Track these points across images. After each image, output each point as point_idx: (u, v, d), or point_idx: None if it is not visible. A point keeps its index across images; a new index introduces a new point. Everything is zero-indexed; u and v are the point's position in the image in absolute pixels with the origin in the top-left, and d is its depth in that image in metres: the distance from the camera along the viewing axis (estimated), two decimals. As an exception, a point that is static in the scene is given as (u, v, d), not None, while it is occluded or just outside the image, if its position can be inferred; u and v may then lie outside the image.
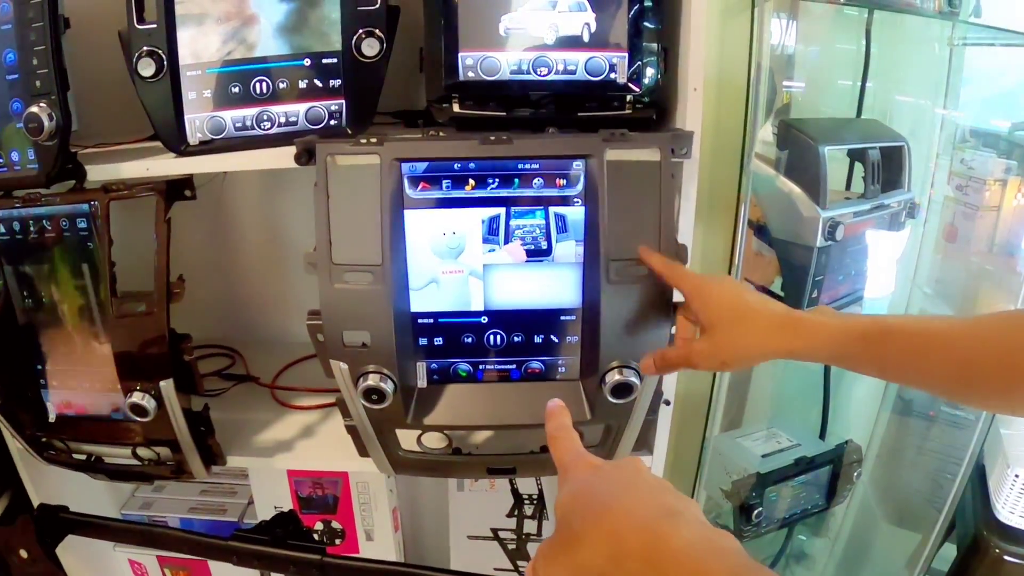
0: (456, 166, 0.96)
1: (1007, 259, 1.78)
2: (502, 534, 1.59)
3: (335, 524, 1.52)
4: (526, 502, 1.57)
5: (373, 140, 0.96)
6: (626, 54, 1.02)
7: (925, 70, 1.36)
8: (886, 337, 0.73)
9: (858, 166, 1.24)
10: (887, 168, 1.19)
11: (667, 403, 1.12)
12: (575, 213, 0.98)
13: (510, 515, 1.57)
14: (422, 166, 0.96)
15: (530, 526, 1.59)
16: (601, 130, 0.96)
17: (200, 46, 1.04)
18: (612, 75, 1.03)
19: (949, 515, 1.39)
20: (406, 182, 0.97)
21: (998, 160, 1.66)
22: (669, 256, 0.97)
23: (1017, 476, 1.27)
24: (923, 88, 1.37)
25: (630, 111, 1.03)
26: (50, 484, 1.30)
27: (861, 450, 1.48)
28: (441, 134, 0.99)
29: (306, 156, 0.99)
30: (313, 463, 1.18)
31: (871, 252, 1.24)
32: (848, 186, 1.28)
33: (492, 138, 0.95)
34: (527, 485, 1.56)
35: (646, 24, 1.02)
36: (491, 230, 0.99)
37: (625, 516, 0.47)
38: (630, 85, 1.03)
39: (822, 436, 1.52)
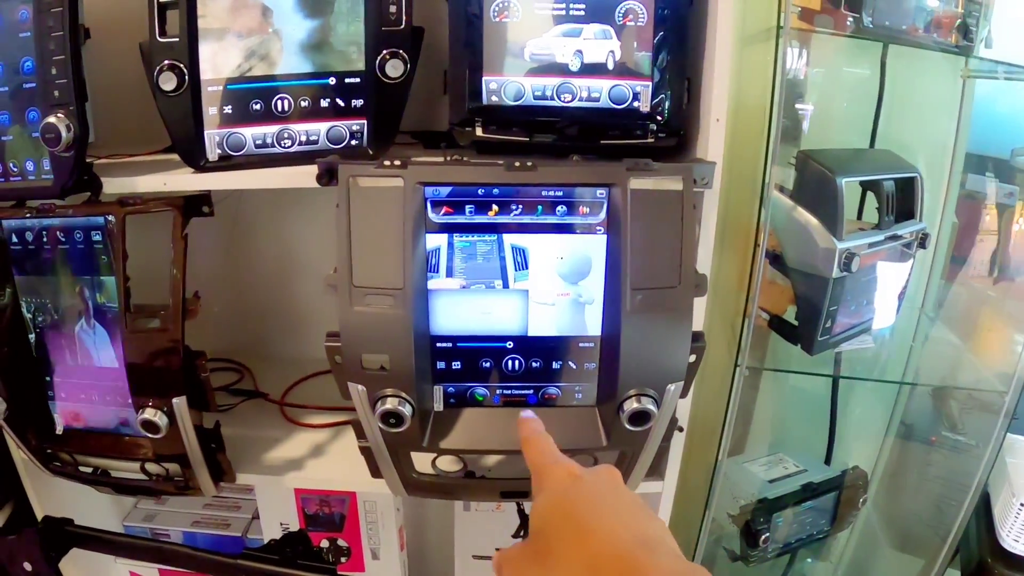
0: (480, 191, 0.96)
1: (1008, 283, 1.80)
2: (507, 554, 1.58)
3: (341, 542, 1.52)
4: (531, 522, 1.56)
5: (397, 163, 0.96)
6: (650, 83, 1.03)
7: (937, 99, 1.38)
8: None
9: (870, 196, 1.24)
10: (900, 199, 1.19)
11: (680, 430, 1.13)
12: (597, 241, 0.98)
13: (516, 535, 1.56)
14: (445, 190, 0.96)
15: (534, 545, 1.58)
16: (625, 159, 0.97)
17: (221, 61, 1.03)
18: (635, 103, 1.03)
19: (954, 543, 1.39)
20: (428, 206, 0.97)
21: (998, 184, 1.67)
22: (688, 286, 0.97)
23: (1023, 505, 1.28)
24: (935, 118, 1.38)
25: (652, 140, 1.03)
26: (53, 495, 1.29)
27: (867, 476, 1.49)
28: (465, 158, 0.98)
29: (328, 176, 0.98)
30: (323, 482, 1.17)
31: (882, 282, 1.25)
32: (859, 215, 1.29)
33: (517, 164, 0.95)
34: (532, 505, 1.55)
35: (670, 53, 1.02)
36: (513, 256, 0.99)
37: (604, 542, 0.46)
38: (653, 114, 1.03)
39: (827, 461, 1.52)
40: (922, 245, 1.24)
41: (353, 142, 1.07)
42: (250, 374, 1.37)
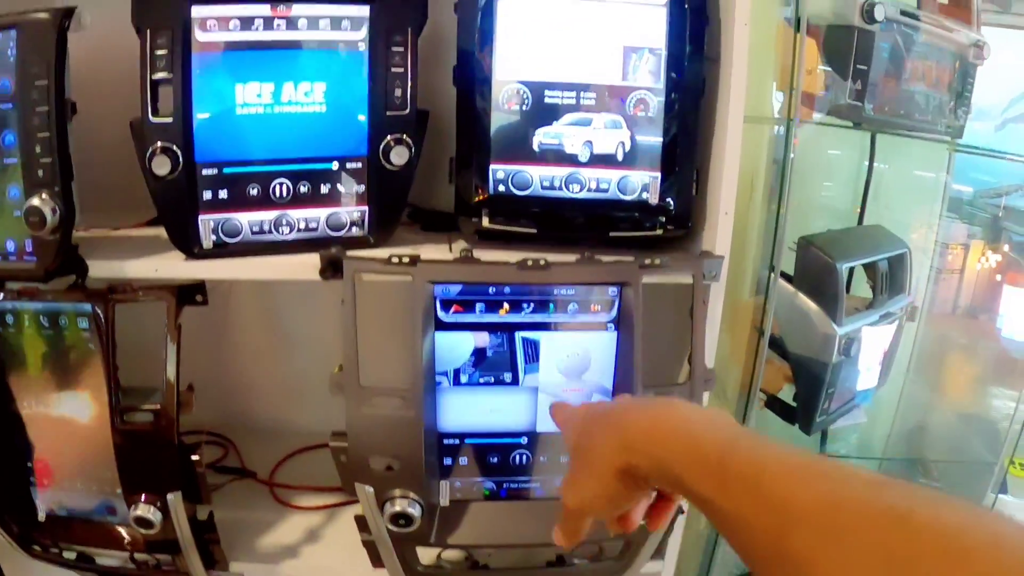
0: (491, 290, 0.95)
1: (970, 321, 1.85)
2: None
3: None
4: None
5: (406, 259, 0.93)
6: (659, 174, 1.02)
7: (924, 169, 1.40)
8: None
9: (858, 269, 1.26)
10: (892, 275, 1.21)
11: (682, 512, 1.13)
12: (606, 339, 0.98)
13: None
14: (456, 288, 0.94)
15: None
16: (637, 257, 0.96)
17: (219, 143, 0.99)
18: (644, 195, 1.02)
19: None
20: (438, 304, 0.95)
21: (960, 224, 1.72)
22: (698, 382, 0.97)
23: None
24: (921, 187, 1.41)
25: (661, 231, 1.02)
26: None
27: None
28: (473, 253, 0.96)
29: (332, 270, 0.96)
30: (321, 570, 1.14)
31: (872, 354, 1.27)
32: (847, 289, 1.30)
33: (529, 263, 0.94)
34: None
35: (680, 144, 1.02)
36: (525, 353, 0.98)
37: (627, 412, 0.52)
38: (662, 205, 1.02)
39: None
40: (911, 317, 1.26)
41: (354, 229, 1.04)
42: (235, 449, 1.32)
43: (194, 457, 1.01)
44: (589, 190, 1.02)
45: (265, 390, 1.40)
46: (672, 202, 1.02)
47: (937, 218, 1.42)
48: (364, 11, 1.00)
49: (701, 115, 1.02)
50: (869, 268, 1.18)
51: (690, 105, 1.01)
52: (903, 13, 1.09)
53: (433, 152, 1.06)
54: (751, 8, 0.97)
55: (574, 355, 0.98)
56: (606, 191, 1.02)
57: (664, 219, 1.02)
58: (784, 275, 1.15)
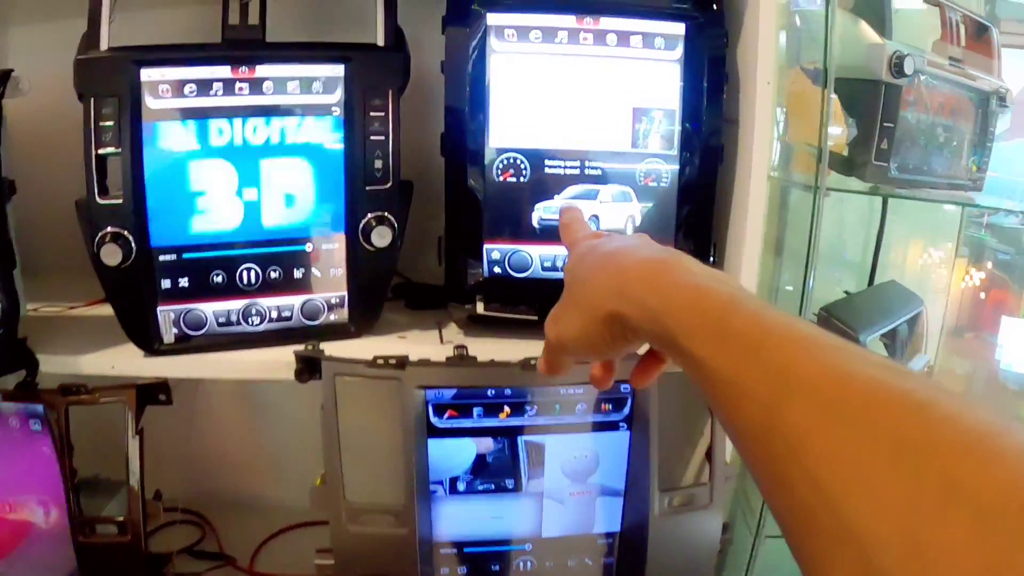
0: (490, 392, 0.85)
1: (955, 341, 1.79)
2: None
3: None
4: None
5: (392, 361, 0.83)
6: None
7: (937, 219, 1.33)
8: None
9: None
10: (909, 336, 1.13)
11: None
12: (617, 439, 0.89)
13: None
14: (450, 392, 0.84)
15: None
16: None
17: (177, 225, 0.87)
18: (656, 273, 0.92)
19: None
20: (430, 409, 0.85)
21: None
22: (719, 480, 0.89)
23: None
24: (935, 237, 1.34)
25: (674, 313, 0.93)
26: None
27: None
28: (469, 350, 0.86)
29: (308, 373, 0.85)
30: None
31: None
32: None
33: (533, 362, 0.84)
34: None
35: (695, 217, 0.92)
36: (528, 458, 0.88)
37: (629, 255, 0.47)
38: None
39: None
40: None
41: (332, 317, 0.93)
42: (212, 529, 1.22)
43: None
44: (595, 270, 0.92)
45: (242, 463, 1.29)
46: (686, 280, 0.93)
47: (952, 264, 1.33)
48: (338, 71, 0.88)
49: (719, 182, 0.92)
50: (889, 335, 1.10)
51: (707, 173, 0.91)
52: (930, 63, 0.99)
53: (418, 217, 0.95)
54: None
55: (581, 457, 0.89)
56: (614, 271, 0.92)
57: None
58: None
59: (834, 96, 0.99)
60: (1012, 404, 1.61)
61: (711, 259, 0.93)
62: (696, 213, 0.92)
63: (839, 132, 1.06)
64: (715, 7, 0.90)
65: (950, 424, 0.27)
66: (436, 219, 0.93)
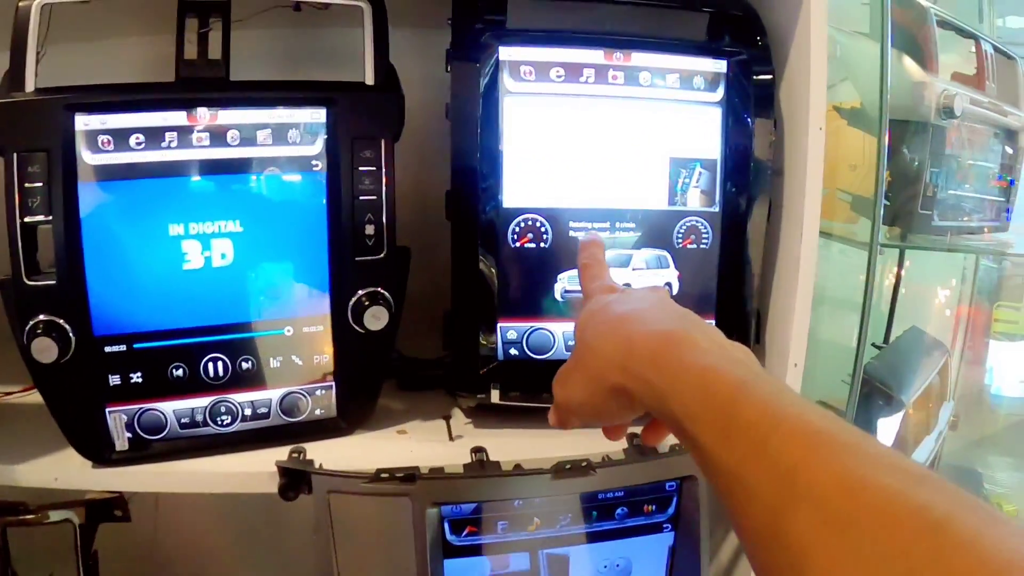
0: (517, 502, 0.71)
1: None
2: None
3: None
4: None
5: (399, 475, 0.69)
6: (713, 321, 0.80)
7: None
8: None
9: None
10: (939, 386, 1.06)
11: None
12: (659, 541, 0.77)
13: None
14: (470, 507, 0.71)
15: None
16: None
17: (126, 309, 0.70)
18: (695, 348, 0.80)
19: None
20: (447, 525, 0.71)
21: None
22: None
23: None
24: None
25: (717, 392, 0.81)
26: None
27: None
28: (487, 456, 0.72)
29: (294, 488, 0.70)
30: None
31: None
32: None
33: (568, 466, 0.71)
34: None
35: (738, 282, 0.80)
36: (554, 570, 0.75)
37: (638, 322, 0.44)
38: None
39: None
40: (953, 427, 1.11)
41: (318, 412, 0.77)
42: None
43: None
44: (628, 348, 0.79)
45: None
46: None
47: (968, 301, 1.27)
48: (319, 116, 0.73)
49: (769, 244, 0.80)
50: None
51: (753, 232, 0.79)
52: (972, 101, 0.90)
53: (416, 289, 0.80)
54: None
55: (612, 566, 0.77)
56: (649, 347, 0.80)
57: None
58: (826, 406, 0.97)
59: (865, 134, 0.90)
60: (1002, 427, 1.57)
61: (754, 333, 0.82)
62: (740, 279, 0.80)
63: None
64: (759, 41, 0.78)
65: (967, 550, 0.25)
66: (440, 292, 0.78)
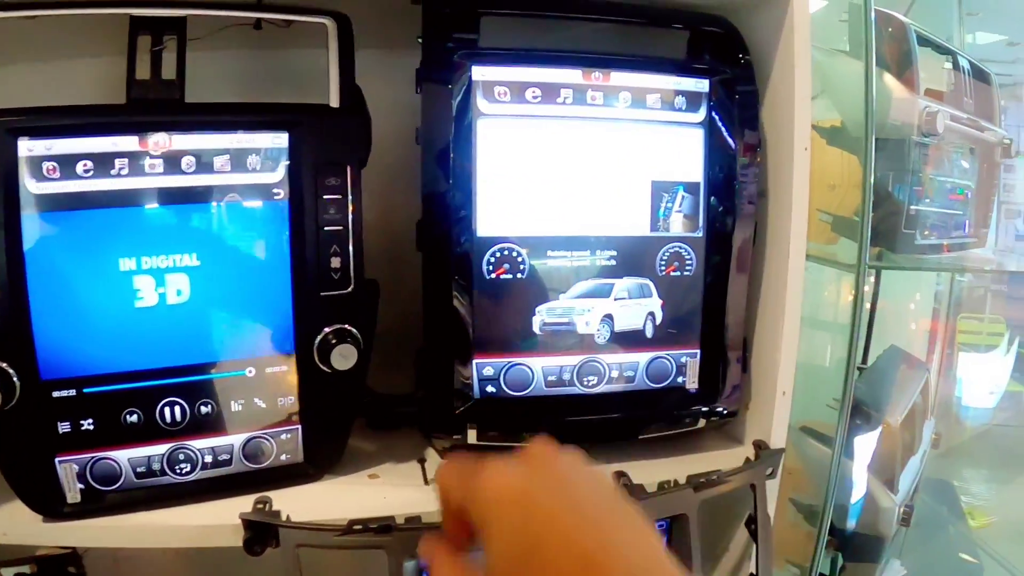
0: (498, 550, 0.67)
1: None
2: None
3: None
4: None
5: (373, 527, 0.64)
6: (698, 350, 0.77)
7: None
8: None
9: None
10: (922, 405, 1.04)
11: None
12: None
13: None
14: (450, 553, 0.66)
15: None
16: (689, 476, 0.72)
17: (75, 351, 0.65)
18: (680, 379, 0.78)
19: None
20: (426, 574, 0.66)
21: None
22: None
23: None
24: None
25: (704, 423, 0.78)
26: None
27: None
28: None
29: (260, 544, 0.65)
30: None
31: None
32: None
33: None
34: None
35: (722, 312, 0.77)
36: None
37: (552, 546, 0.33)
38: (703, 392, 0.78)
39: None
40: (935, 445, 1.10)
41: (283, 458, 0.72)
42: None
43: None
44: (610, 380, 0.76)
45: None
46: (713, 384, 0.78)
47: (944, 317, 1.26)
48: (281, 140, 0.69)
49: (754, 268, 0.78)
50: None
51: (739, 257, 0.76)
52: (953, 118, 0.89)
53: (383, 314, 0.75)
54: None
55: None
56: (632, 380, 0.76)
57: (706, 408, 0.78)
58: (811, 431, 0.95)
59: (845, 153, 0.88)
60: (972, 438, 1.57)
61: (743, 359, 0.79)
62: (726, 306, 0.77)
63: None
64: (741, 59, 0.75)
65: None
66: (411, 327, 0.74)
